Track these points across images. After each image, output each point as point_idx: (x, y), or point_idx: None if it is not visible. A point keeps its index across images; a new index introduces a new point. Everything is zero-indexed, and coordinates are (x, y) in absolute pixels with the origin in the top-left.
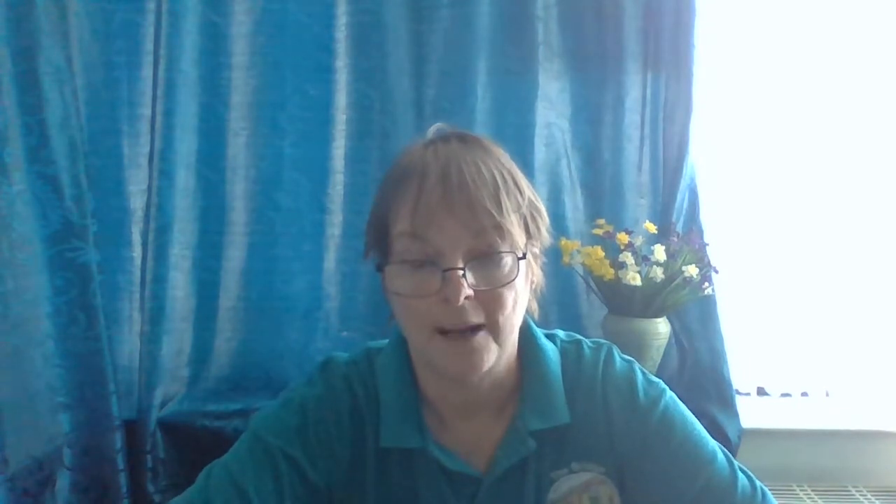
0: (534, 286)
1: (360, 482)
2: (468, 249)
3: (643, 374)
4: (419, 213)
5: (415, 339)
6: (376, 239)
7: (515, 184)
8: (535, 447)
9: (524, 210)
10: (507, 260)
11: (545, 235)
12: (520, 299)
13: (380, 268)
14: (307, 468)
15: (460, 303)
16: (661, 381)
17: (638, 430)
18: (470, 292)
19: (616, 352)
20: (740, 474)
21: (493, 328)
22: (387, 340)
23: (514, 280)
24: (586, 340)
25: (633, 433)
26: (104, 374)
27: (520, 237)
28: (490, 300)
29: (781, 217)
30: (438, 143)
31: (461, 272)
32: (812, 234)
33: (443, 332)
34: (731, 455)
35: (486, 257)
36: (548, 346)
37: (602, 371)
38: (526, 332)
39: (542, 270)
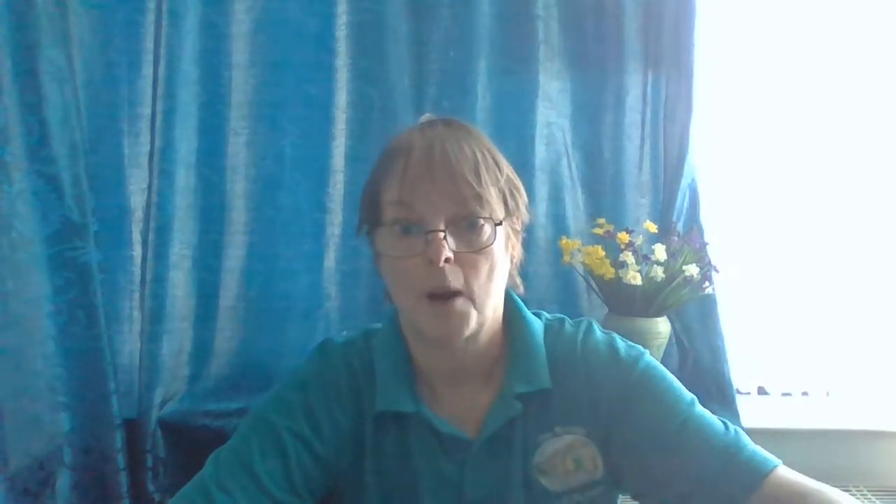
0: (514, 260)
1: (360, 450)
2: (450, 216)
3: (624, 341)
4: (406, 182)
5: (403, 302)
6: (369, 210)
7: (495, 161)
8: (521, 409)
9: (502, 185)
10: (486, 226)
11: (524, 212)
12: (497, 268)
13: (370, 234)
14: (314, 441)
15: (441, 263)
16: (640, 346)
17: (621, 382)
18: (450, 254)
19: (596, 326)
20: (715, 416)
21: (471, 294)
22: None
23: (491, 245)
24: (569, 319)
25: (617, 385)
26: (104, 373)
27: (498, 208)
28: (468, 266)
29: (782, 216)
30: (426, 127)
31: (442, 234)
32: (812, 234)
33: (429, 297)
34: None
35: (465, 222)
36: (532, 319)
37: (581, 340)
38: (511, 306)
39: (523, 246)
